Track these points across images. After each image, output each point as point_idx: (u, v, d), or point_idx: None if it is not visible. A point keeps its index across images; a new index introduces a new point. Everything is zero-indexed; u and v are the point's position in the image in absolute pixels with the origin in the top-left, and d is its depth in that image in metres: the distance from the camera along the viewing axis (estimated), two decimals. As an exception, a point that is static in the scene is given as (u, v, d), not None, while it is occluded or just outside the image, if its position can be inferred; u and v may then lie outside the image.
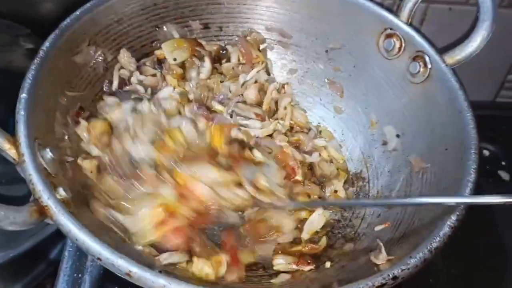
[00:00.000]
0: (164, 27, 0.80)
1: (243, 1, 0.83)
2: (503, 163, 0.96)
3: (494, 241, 0.85)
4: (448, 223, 0.53)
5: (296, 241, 0.70)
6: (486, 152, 0.97)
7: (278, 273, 0.65)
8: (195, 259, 0.59)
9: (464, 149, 0.61)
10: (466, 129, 0.63)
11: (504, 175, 0.94)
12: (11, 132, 0.54)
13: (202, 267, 0.59)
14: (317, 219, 0.72)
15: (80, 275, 0.70)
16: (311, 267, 0.65)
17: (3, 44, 0.83)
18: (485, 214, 0.87)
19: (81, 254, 0.72)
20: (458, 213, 0.54)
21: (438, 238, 0.52)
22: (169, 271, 0.55)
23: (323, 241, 0.71)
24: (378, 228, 0.68)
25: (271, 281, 0.64)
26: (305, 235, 0.71)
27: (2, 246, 0.72)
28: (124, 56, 0.75)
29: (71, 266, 0.71)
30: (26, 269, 0.81)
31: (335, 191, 0.78)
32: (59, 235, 0.78)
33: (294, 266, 0.66)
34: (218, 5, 0.82)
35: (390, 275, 0.49)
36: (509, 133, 0.99)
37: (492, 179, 0.93)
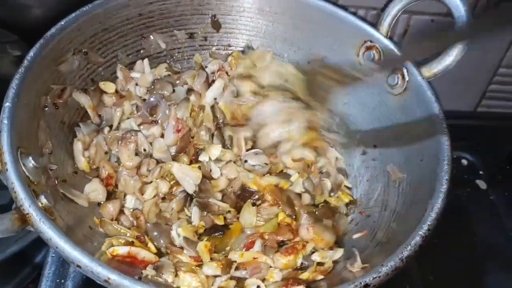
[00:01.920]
0: (151, 36, 0.82)
1: (227, 12, 0.84)
2: (481, 172, 0.98)
3: (468, 247, 0.87)
4: (420, 232, 0.55)
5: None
6: (464, 162, 0.99)
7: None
8: (181, 273, 0.60)
9: (438, 160, 0.63)
10: (440, 141, 0.65)
11: (482, 184, 0.96)
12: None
13: (190, 282, 0.60)
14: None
15: (63, 280, 0.71)
16: (303, 287, 0.60)
17: (-11, 51, 0.84)
18: (461, 221, 0.89)
19: (64, 260, 0.72)
20: (429, 223, 0.56)
21: (409, 247, 0.54)
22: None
23: (330, 262, 0.67)
24: (355, 236, 0.70)
25: None
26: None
27: (-15, 252, 0.71)
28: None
29: (54, 271, 0.72)
30: (11, 274, 0.82)
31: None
32: (43, 241, 0.79)
33: None
34: (203, 16, 0.84)
35: (362, 283, 0.50)
36: (488, 143, 1.01)
37: (470, 188, 0.95)
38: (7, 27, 0.88)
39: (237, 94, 0.82)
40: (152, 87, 0.79)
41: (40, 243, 0.79)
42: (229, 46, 0.88)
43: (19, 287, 0.82)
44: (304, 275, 0.63)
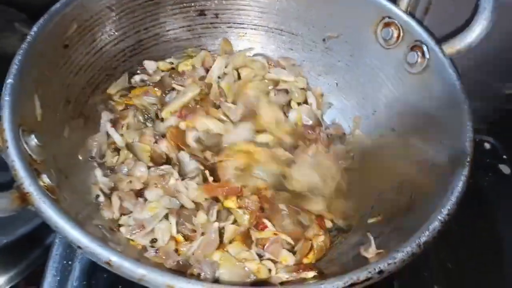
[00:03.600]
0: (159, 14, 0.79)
1: (240, -12, 0.82)
2: (504, 156, 0.94)
3: (489, 235, 0.84)
4: (439, 217, 0.52)
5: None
6: (487, 145, 0.95)
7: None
8: None
9: (460, 142, 0.60)
10: (462, 122, 0.61)
11: (505, 169, 0.92)
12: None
13: None
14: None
15: (70, 262, 0.71)
16: (315, 272, 0.61)
17: (-2, 29, 0.83)
18: (482, 207, 0.86)
19: (71, 241, 0.72)
20: (449, 207, 0.53)
21: (427, 232, 0.51)
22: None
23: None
24: (370, 221, 0.67)
25: None
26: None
27: (-3, 233, 0.71)
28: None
29: (61, 253, 0.71)
30: (21, 255, 0.82)
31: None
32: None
33: (295, 274, 0.62)
34: (215, -12, 0.81)
35: (376, 269, 0.48)
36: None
37: (492, 173, 0.91)
38: (15, 6, 0.88)
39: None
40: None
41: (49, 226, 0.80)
42: (242, 23, 0.85)
43: (30, 269, 0.82)
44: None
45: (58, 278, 0.69)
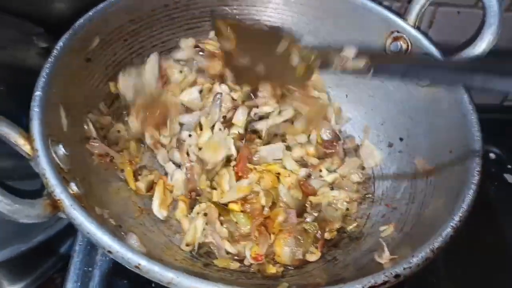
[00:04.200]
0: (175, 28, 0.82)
1: (252, 3, 0.84)
2: (509, 166, 0.96)
3: (495, 241, 0.86)
4: (451, 224, 0.54)
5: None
6: (492, 155, 0.97)
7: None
8: None
9: (468, 151, 0.62)
10: (471, 132, 0.64)
11: (510, 178, 0.94)
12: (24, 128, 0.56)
13: None
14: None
15: (90, 268, 0.72)
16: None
17: (16, 42, 0.84)
18: (488, 215, 0.88)
19: (92, 248, 0.74)
20: (461, 214, 0.55)
21: (440, 238, 0.53)
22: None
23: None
24: (382, 228, 0.69)
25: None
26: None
27: (13, 240, 0.73)
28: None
29: (81, 260, 0.72)
30: (36, 264, 0.83)
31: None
32: (68, 231, 0.80)
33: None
34: (228, 7, 0.83)
35: (393, 273, 0.49)
36: (516, 137, 0.99)
37: (497, 182, 0.93)
38: (33, 20, 0.89)
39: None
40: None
41: (64, 234, 0.81)
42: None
43: (44, 277, 0.83)
44: None
45: (79, 284, 0.70)
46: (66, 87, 0.64)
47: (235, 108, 0.80)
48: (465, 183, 0.59)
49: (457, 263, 0.80)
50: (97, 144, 0.67)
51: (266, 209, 0.72)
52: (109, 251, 0.48)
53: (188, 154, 0.77)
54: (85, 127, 0.68)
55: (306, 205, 0.75)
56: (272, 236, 0.70)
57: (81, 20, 0.67)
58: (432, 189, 0.66)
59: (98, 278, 0.71)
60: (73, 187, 0.54)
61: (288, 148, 0.80)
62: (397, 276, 0.50)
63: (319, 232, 0.71)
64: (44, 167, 0.52)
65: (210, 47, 0.82)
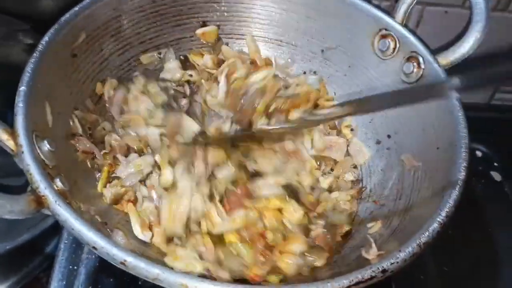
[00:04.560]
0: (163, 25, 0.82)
1: (240, 0, 0.84)
2: (495, 164, 0.97)
3: (482, 238, 0.86)
4: (438, 219, 0.54)
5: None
6: (478, 153, 0.98)
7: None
8: None
9: (455, 148, 0.62)
10: (457, 129, 0.64)
11: (497, 176, 0.95)
12: (9, 125, 0.55)
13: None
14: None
15: (75, 267, 0.71)
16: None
17: (2, 38, 0.84)
18: (475, 212, 0.88)
19: (77, 246, 0.73)
20: (447, 210, 0.55)
21: (427, 234, 0.53)
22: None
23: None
24: (370, 224, 0.69)
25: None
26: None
27: (-1, 239, 0.71)
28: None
29: (66, 258, 0.72)
30: (21, 263, 0.82)
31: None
32: (54, 230, 0.79)
33: None
34: (216, 3, 0.83)
35: (379, 268, 0.49)
36: (502, 135, 1.00)
37: (484, 179, 0.94)
38: (19, 17, 0.89)
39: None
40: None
41: (50, 234, 0.80)
42: (243, 35, 0.87)
43: (30, 276, 0.82)
44: None
45: (64, 283, 0.69)
46: (51, 83, 0.64)
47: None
48: (451, 179, 0.59)
49: (445, 259, 0.81)
50: (82, 141, 0.66)
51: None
52: (94, 247, 0.47)
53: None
54: (71, 123, 0.67)
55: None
56: (277, 254, 0.64)
57: (67, 15, 0.67)
58: (419, 186, 0.67)
59: (84, 276, 0.70)
60: (58, 183, 0.54)
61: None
62: (384, 271, 0.50)
63: (329, 237, 0.68)
64: (28, 162, 0.52)
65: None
